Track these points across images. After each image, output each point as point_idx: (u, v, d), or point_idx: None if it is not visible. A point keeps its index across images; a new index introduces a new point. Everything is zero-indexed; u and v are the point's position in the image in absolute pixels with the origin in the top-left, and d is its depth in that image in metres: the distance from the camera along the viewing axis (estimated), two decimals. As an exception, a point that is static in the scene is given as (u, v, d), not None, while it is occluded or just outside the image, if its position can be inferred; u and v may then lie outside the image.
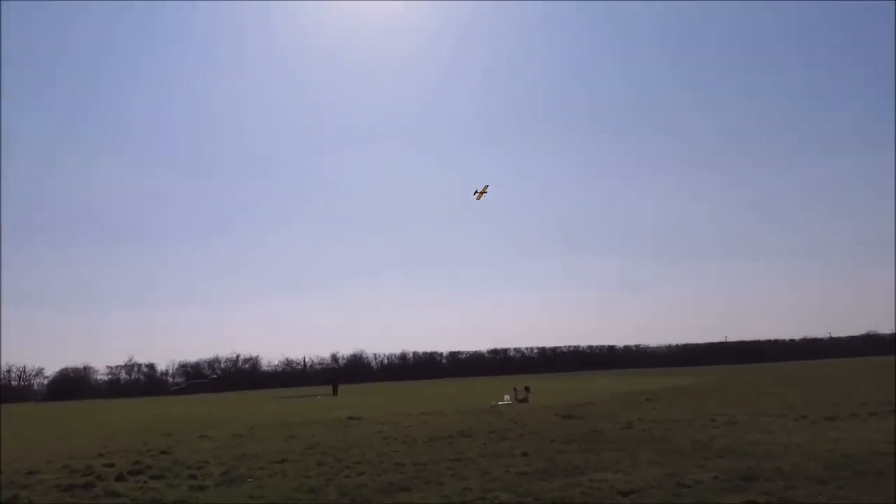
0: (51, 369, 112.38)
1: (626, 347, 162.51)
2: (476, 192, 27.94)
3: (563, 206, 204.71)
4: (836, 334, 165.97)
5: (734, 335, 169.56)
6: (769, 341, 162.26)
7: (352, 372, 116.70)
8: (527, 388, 31.56)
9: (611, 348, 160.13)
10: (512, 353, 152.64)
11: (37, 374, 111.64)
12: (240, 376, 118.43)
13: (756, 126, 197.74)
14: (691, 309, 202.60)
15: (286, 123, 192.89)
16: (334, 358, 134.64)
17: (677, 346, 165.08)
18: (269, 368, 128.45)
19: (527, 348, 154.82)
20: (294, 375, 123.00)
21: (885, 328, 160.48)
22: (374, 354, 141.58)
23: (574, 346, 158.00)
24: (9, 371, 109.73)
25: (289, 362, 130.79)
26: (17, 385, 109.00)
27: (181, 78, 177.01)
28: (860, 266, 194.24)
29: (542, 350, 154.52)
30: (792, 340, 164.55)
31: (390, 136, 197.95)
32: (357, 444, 15.46)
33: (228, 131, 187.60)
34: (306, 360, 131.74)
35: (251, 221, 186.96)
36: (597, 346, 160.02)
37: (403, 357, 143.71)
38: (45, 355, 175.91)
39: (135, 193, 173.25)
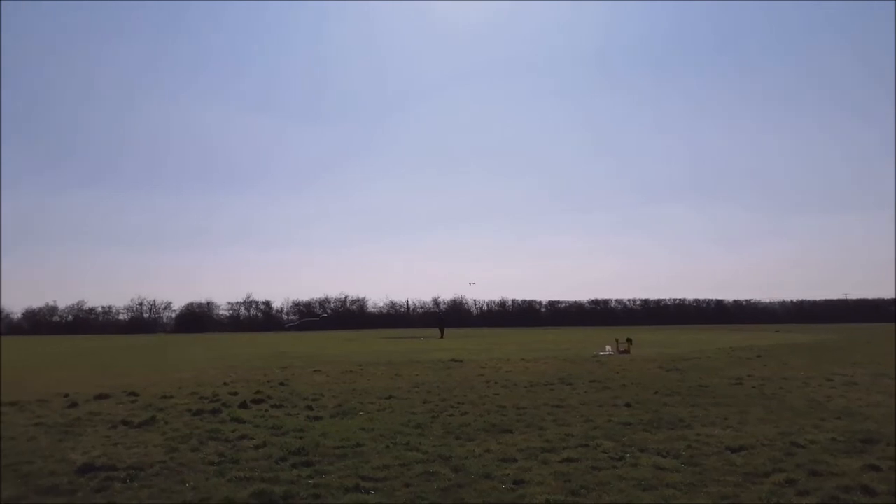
0: (178, 304, 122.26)
1: (736, 302, 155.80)
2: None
3: (683, 152, 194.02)
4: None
5: (854, 293, 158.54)
6: (894, 300, 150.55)
7: (452, 317, 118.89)
8: (629, 340, 31.11)
9: (719, 303, 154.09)
10: (613, 305, 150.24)
11: (165, 308, 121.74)
12: (347, 316, 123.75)
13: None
14: (807, 264, 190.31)
15: (399, 63, 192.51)
16: (436, 302, 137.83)
17: (792, 302, 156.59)
18: (375, 310, 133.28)
19: (629, 300, 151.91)
20: (397, 317, 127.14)
21: None
22: (474, 300, 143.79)
23: (679, 300, 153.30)
24: (140, 304, 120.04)
25: (393, 305, 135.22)
26: (148, 317, 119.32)
27: (296, 18, 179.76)
28: None
29: (646, 302, 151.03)
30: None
31: (508, 72, 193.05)
32: (459, 385, 15.91)
33: (341, 72, 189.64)
34: (409, 303, 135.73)
35: (360, 164, 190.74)
36: (704, 300, 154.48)
37: (503, 304, 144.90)
38: (173, 291, 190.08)
39: (247, 135, 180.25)
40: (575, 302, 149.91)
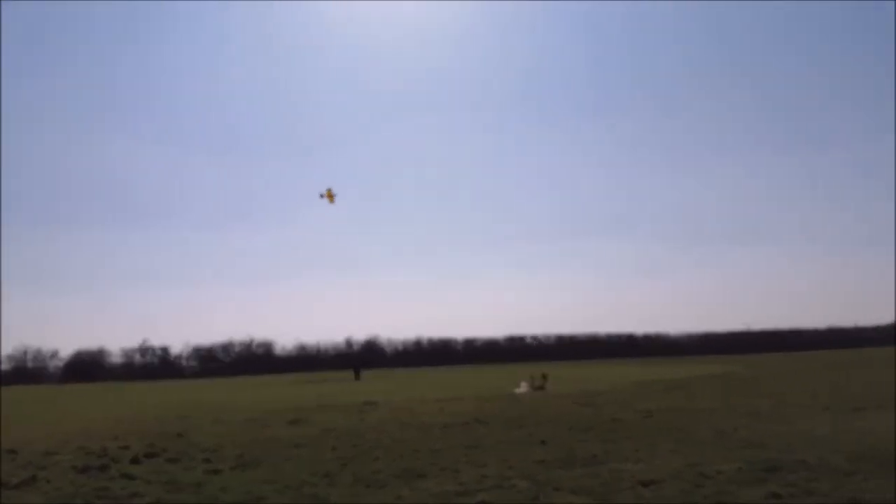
0: (66, 351, 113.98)
1: (646, 335, 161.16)
2: (322, 195, 26.77)
3: (579, 188, 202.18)
4: (861, 323, 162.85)
5: (757, 323, 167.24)
6: (793, 330, 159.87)
7: (366, 357, 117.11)
8: (544, 376, 31.43)
9: (630, 336, 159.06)
10: (529, 341, 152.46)
11: (52, 356, 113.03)
12: (254, 360, 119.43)
13: (777, 109, 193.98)
14: (712, 296, 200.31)
15: (305, 101, 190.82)
16: (348, 343, 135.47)
17: (698, 334, 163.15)
18: (283, 353, 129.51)
19: (544, 335, 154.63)
20: (307, 360, 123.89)
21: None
22: (389, 340, 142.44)
23: (592, 334, 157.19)
24: (24, 353, 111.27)
25: (302, 347, 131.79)
26: (33, 367, 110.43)
27: (207, 52, 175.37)
28: (887, 252, 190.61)
29: (560, 337, 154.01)
30: (816, 329, 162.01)
31: (410, 109, 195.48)
32: (373, 429, 15.41)
33: (247, 108, 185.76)
34: (320, 344, 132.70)
35: (262, 202, 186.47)
36: (615, 334, 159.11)
37: (418, 343, 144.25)
38: (60, 337, 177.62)
39: (145, 172, 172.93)
40: (491, 338, 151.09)
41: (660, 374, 41.03)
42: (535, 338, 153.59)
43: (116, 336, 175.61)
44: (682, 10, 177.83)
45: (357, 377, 52.53)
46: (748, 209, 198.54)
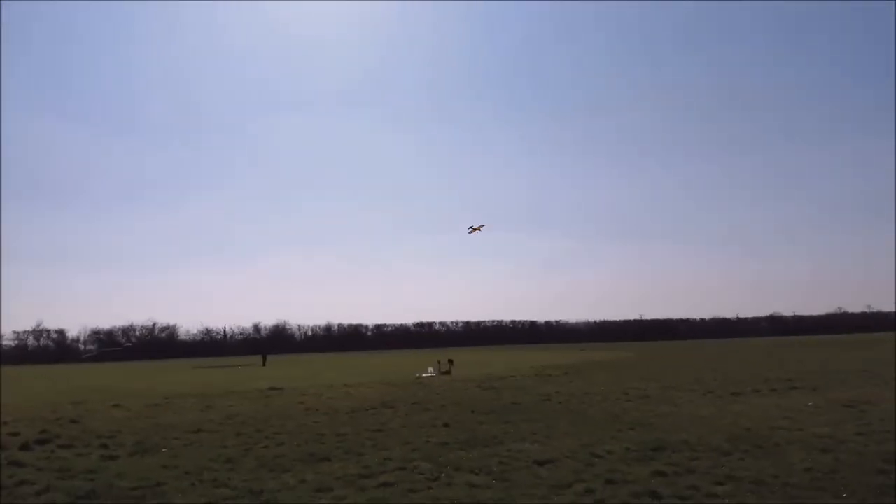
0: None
1: (548, 323, 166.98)
2: (472, 228, 27.46)
3: (487, 184, 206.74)
4: (742, 315, 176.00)
5: (649, 314, 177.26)
6: (681, 320, 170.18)
7: (275, 343, 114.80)
8: (450, 361, 32.01)
9: (532, 324, 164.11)
10: (437, 327, 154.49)
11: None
12: (156, 345, 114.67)
13: (675, 121, 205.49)
14: (609, 287, 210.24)
15: (216, 86, 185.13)
16: (256, 328, 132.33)
17: (596, 322, 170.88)
18: (188, 338, 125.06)
19: (452, 322, 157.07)
20: (214, 346, 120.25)
21: (786, 311, 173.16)
22: (298, 326, 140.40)
23: (497, 321, 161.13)
24: None
25: (208, 332, 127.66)
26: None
27: (108, 34, 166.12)
28: (766, 252, 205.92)
29: (467, 324, 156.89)
30: (702, 320, 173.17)
31: (316, 103, 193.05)
32: (277, 415, 15.31)
33: (157, 90, 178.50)
34: (227, 330, 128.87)
35: (172, 185, 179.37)
36: (519, 322, 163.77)
37: (328, 329, 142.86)
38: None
39: (49, 149, 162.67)
40: (401, 325, 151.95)
41: (559, 360, 42.61)
42: (443, 324, 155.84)
43: (8, 318, 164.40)
44: (581, 16, 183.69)
45: (264, 363, 51.97)
46: (644, 210, 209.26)
